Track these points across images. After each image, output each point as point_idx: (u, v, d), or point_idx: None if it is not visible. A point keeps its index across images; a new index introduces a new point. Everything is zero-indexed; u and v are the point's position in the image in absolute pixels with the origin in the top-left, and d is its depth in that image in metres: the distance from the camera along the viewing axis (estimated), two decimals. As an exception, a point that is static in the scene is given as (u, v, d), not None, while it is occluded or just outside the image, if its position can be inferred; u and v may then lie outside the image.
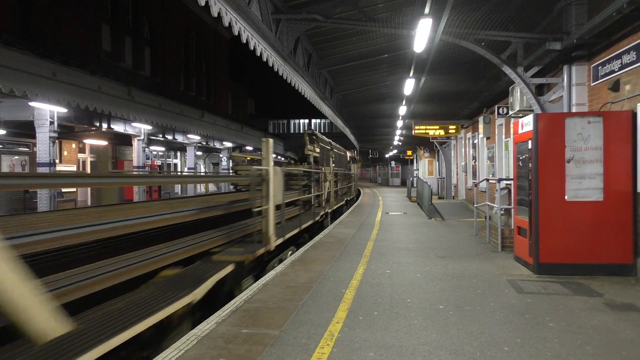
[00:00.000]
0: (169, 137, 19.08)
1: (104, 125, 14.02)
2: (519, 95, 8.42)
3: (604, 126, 5.76)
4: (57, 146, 12.99)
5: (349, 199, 19.13)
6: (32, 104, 10.57)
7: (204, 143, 22.26)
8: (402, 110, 16.25)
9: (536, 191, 5.91)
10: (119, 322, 3.14)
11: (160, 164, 25.64)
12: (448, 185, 21.71)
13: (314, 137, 12.64)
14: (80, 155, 18.28)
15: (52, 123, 11.80)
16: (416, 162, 34.99)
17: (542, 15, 7.68)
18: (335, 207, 13.83)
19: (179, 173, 17.44)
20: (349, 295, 4.96)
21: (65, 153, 16.95)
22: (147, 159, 20.35)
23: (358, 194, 27.90)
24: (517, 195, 6.86)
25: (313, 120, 48.12)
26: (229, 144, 24.52)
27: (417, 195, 19.10)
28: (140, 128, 16.00)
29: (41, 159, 11.53)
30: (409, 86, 11.64)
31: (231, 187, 14.72)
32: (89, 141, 17.52)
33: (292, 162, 17.55)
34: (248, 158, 13.17)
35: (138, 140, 16.65)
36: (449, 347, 3.49)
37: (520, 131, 6.56)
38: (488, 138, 13.82)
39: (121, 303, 3.55)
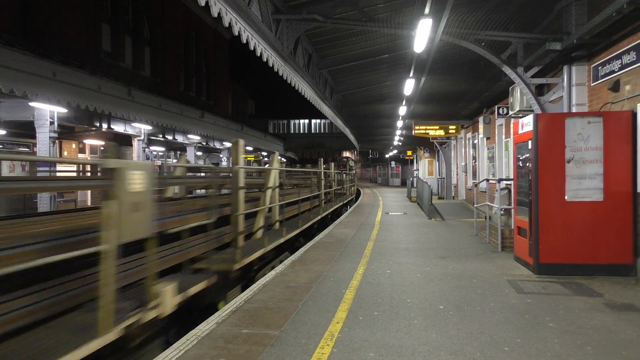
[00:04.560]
0: (169, 137, 19.09)
1: (104, 126, 14.03)
2: (519, 96, 8.42)
3: (604, 126, 5.76)
4: (57, 146, 12.99)
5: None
6: (32, 104, 10.58)
7: (204, 143, 22.29)
8: (402, 110, 16.26)
9: (536, 191, 5.91)
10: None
11: (160, 164, 25.62)
12: (448, 185, 21.71)
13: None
14: (80, 156, 18.28)
15: (52, 123, 11.81)
16: (416, 163, 34.99)
17: (542, 16, 7.68)
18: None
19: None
20: (349, 295, 4.96)
21: (65, 153, 16.95)
22: (147, 159, 20.38)
23: (358, 194, 27.93)
24: (517, 195, 6.86)
25: (313, 121, 48.12)
26: (229, 144, 24.53)
27: (417, 195, 19.10)
28: (140, 128, 16.02)
29: (41, 159, 11.54)
30: (409, 86, 11.64)
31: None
32: (89, 141, 17.53)
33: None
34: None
35: (138, 140, 16.66)
36: (449, 347, 3.49)
37: (520, 131, 6.56)
38: (488, 138, 13.82)
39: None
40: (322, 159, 13.65)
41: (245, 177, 6.33)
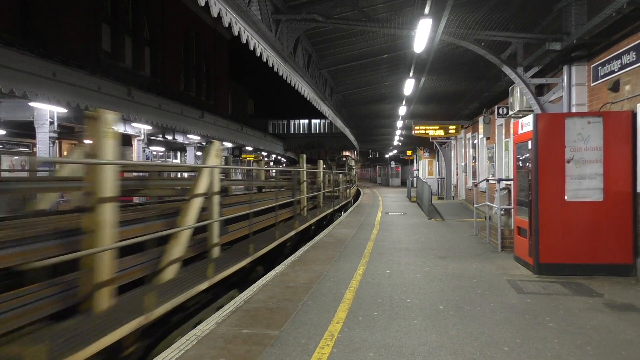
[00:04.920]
0: (169, 138, 19.09)
1: (104, 126, 14.01)
2: (519, 96, 8.42)
3: (604, 126, 5.76)
4: (57, 146, 12.99)
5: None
6: (32, 104, 10.59)
7: (204, 143, 22.28)
8: (402, 110, 16.25)
9: (536, 191, 5.91)
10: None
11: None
12: (448, 185, 21.71)
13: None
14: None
15: (52, 123, 11.82)
16: (416, 163, 34.99)
17: (542, 16, 7.68)
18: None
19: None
20: (349, 295, 4.96)
21: (65, 153, 16.95)
22: (147, 159, 20.38)
23: (358, 194, 27.93)
24: (517, 195, 6.86)
25: (313, 121, 48.11)
26: (229, 144, 24.53)
27: (417, 195, 19.10)
28: (140, 128, 16.02)
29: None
30: (408, 86, 11.64)
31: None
32: (89, 141, 17.53)
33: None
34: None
35: (138, 140, 16.67)
36: (448, 348, 3.49)
37: (520, 131, 6.56)
38: (488, 138, 13.82)
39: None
40: (304, 156, 11.20)
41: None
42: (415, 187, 21.09)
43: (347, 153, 51.75)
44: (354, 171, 33.15)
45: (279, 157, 43.47)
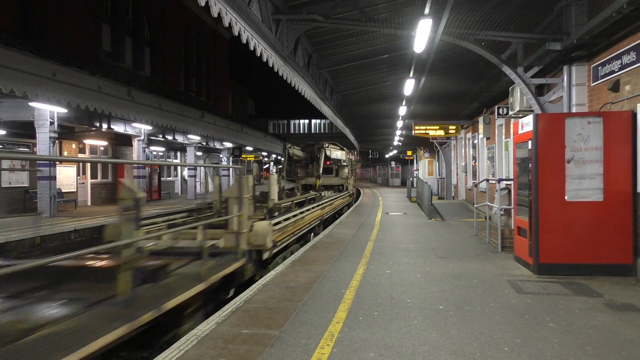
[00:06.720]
0: (169, 138, 19.09)
1: (104, 126, 14.04)
2: (519, 96, 8.42)
3: (604, 126, 5.76)
4: (57, 147, 12.99)
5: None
6: (32, 104, 10.59)
7: (204, 143, 22.29)
8: (402, 110, 16.25)
9: (536, 191, 5.91)
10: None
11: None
12: (448, 185, 21.71)
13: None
14: (80, 156, 18.26)
15: (52, 123, 11.83)
16: (416, 163, 34.98)
17: (542, 16, 7.67)
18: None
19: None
20: (349, 295, 4.96)
21: (65, 153, 16.93)
22: (147, 159, 20.37)
23: (358, 194, 27.91)
24: (517, 195, 6.86)
25: (313, 121, 48.15)
26: (229, 144, 24.52)
27: (417, 195, 19.10)
28: (140, 128, 16.02)
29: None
30: (409, 86, 11.64)
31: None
32: (89, 141, 17.53)
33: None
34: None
35: (138, 140, 16.68)
36: (449, 348, 3.49)
37: (520, 131, 6.56)
38: (488, 138, 13.82)
39: None
40: None
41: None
42: (415, 187, 21.08)
43: (344, 153, 51.06)
44: (346, 170, 19.52)
45: (279, 157, 43.48)
